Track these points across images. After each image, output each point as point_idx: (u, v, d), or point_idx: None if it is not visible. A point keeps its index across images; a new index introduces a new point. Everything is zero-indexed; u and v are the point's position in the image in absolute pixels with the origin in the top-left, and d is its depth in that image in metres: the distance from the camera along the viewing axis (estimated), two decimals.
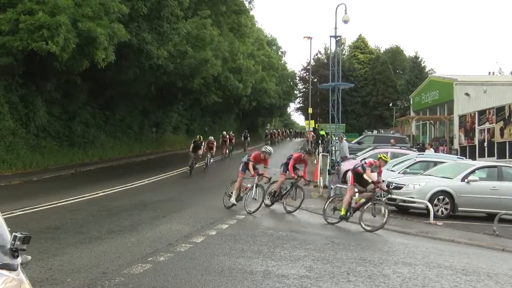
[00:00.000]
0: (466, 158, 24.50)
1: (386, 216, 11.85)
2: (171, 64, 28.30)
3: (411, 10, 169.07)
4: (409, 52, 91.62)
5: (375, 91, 77.24)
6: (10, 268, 2.94)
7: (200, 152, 23.27)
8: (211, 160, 25.09)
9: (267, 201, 14.28)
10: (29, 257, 3.24)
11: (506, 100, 30.88)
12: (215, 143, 26.11)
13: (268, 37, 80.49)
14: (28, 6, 17.40)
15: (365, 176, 12.00)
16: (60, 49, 17.28)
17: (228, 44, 39.58)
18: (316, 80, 69.53)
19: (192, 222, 11.53)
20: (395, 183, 15.37)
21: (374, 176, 11.92)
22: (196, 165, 23.51)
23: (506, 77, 55.14)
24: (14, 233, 3.00)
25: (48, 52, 17.44)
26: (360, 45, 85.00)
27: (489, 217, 14.12)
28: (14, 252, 2.99)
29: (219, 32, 35.43)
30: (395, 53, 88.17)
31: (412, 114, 51.01)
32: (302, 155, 14.28)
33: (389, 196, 13.95)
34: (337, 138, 20.09)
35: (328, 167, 20.27)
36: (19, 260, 3.03)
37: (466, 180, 14.73)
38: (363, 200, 12.19)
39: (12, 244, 2.98)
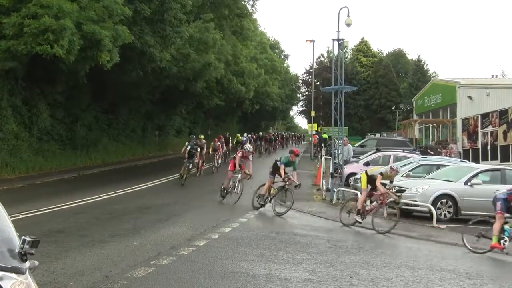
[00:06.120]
0: (469, 161, 24.41)
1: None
2: (174, 67, 28.29)
3: (414, 13, 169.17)
4: (412, 55, 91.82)
5: (378, 94, 77.13)
6: (18, 271, 2.96)
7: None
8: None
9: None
10: (37, 263, 3.25)
11: (509, 103, 30.84)
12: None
13: (271, 40, 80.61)
14: (32, 10, 17.40)
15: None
16: (65, 52, 17.31)
17: (231, 47, 39.58)
18: (319, 83, 69.42)
19: (194, 225, 11.53)
20: (398, 186, 15.35)
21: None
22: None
23: (509, 80, 54.93)
24: (23, 237, 3.02)
25: (53, 55, 17.47)
26: (363, 48, 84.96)
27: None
28: (22, 256, 3.01)
29: (222, 36, 35.43)
30: (398, 56, 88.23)
31: (415, 117, 50.97)
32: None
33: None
34: (340, 141, 20.05)
35: (331, 170, 20.27)
36: (27, 264, 3.04)
37: (469, 184, 14.71)
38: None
39: (21, 248, 2.99)
